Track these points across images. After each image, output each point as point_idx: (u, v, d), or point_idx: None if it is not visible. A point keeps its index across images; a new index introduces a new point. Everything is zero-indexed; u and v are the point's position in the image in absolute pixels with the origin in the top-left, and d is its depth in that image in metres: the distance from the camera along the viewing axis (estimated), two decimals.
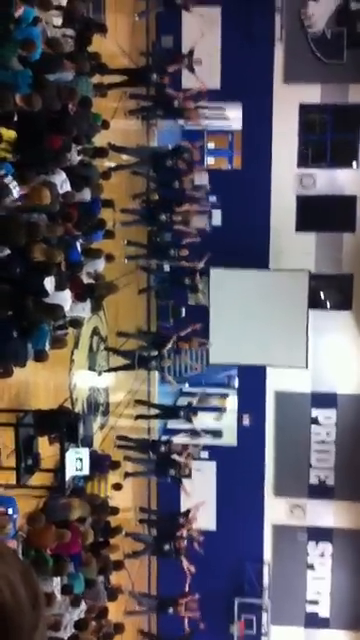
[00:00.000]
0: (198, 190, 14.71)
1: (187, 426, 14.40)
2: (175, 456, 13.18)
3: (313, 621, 16.71)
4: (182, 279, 14.64)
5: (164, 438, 14.47)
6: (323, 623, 16.71)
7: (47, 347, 7.36)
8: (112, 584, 9.82)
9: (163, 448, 13.36)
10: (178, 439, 14.52)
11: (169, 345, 13.01)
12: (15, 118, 6.91)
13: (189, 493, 13.47)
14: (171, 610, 13.63)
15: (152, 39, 15.23)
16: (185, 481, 13.70)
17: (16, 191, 6.47)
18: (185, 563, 13.51)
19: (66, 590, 8.07)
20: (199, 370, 16.25)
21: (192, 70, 13.92)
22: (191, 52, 13.89)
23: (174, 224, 14.01)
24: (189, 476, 13.50)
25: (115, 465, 10.44)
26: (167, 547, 13.52)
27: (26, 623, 1.08)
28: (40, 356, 7.28)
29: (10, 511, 6.79)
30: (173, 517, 14.22)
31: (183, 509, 14.44)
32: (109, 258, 9.46)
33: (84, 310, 8.69)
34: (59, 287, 7.37)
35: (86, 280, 8.68)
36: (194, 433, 14.41)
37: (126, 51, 13.57)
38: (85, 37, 8.72)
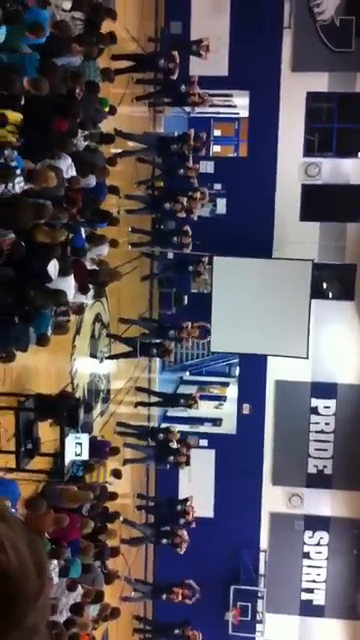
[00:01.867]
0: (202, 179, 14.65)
1: (186, 414, 14.44)
2: (173, 444, 13.21)
3: (308, 609, 16.82)
4: (185, 267, 14.62)
5: (163, 425, 14.49)
6: (318, 611, 16.82)
7: (49, 332, 7.37)
8: (109, 569, 9.87)
9: (162, 435, 13.39)
10: (177, 427, 14.54)
11: (173, 335, 13.03)
12: (22, 102, 6.87)
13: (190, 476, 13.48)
14: (165, 597, 13.73)
15: (161, 25, 15.12)
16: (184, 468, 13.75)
17: (19, 187, 6.44)
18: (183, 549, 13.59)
19: (62, 573, 8.10)
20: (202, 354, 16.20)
21: (199, 56, 13.83)
22: (200, 40, 13.79)
23: (178, 212, 13.96)
24: (187, 464, 13.55)
25: (114, 451, 10.47)
26: (165, 541, 13.60)
27: (30, 589, 1.08)
28: (42, 340, 7.29)
29: (8, 503, 6.79)
30: (171, 504, 14.29)
31: (181, 496, 14.51)
32: (113, 244, 9.43)
33: (86, 296, 8.67)
34: (63, 272, 7.36)
35: (89, 266, 8.66)
36: (193, 421, 14.44)
37: (134, 36, 13.48)
38: (94, 22, 8.64)
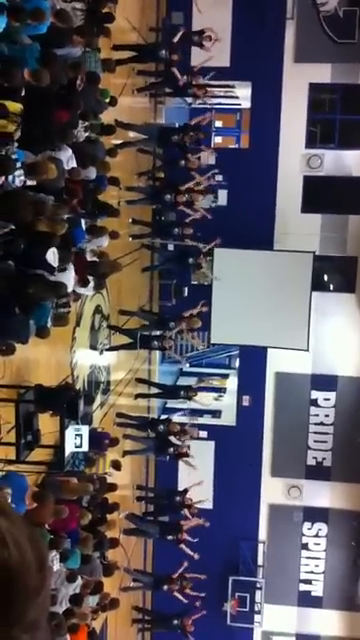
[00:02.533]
0: (204, 170, 14.60)
1: (186, 405, 14.45)
2: (172, 438, 13.21)
3: (306, 600, 16.89)
4: (186, 258, 14.59)
5: (163, 417, 14.49)
6: (316, 602, 16.89)
7: (49, 324, 7.37)
8: (108, 560, 9.90)
9: (162, 427, 13.40)
10: (177, 418, 14.55)
11: (174, 326, 13.01)
12: (22, 92, 6.84)
13: (194, 467, 13.47)
14: (165, 587, 13.77)
15: (162, 15, 15.03)
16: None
17: (19, 180, 6.43)
18: (186, 549, 13.61)
19: (62, 557, 8.11)
20: (203, 347, 16.17)
21: (201, 46, 13.75)
22: (202, 31, 13.71)
23: (178, 204, 13.92)
24: (187, 455, 13.57)
25: (114, 442, 10.48)
26: (170, 538, 13.64)
27: (31, 583, 1.08)
28: (42, 332, 7.28)
29: (8, 491, 6.80)
30: (170, 495, 14.32)
31: (181, 487, 14.53)
32: (113, 235, 9.42)
33: (87, 288, 8.67)
34: (62, 260, 7.34)
35: (90, 258, 8.65)
36: (193, 412, 14.44)
37: (135, 27, 13.41)
38: (94, 12, 8.60)
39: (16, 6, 6.53)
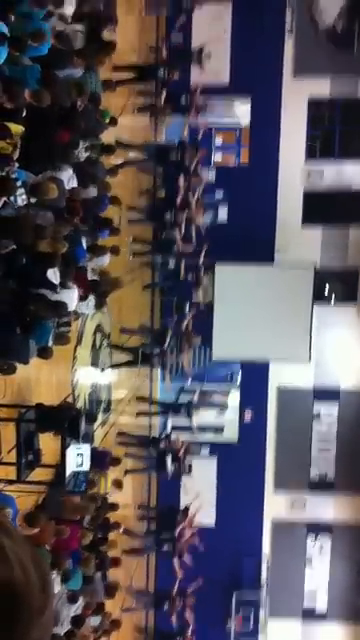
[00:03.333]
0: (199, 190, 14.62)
1: (187, 423, 14.41)
2: (167, 458, 13.16)
3: (310, 615, 16.80)
4: (185, 275, 14.59)
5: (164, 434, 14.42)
6: (320, 617, 16.80)
7: (50, 344, 7.36)
8: (110, 580, 9.85)
9: (163, 444, 13.37)
10: (179, 436, 14.49)
11: (168, 339, 12.99)
12: (24, 113, 6.87)
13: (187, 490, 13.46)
14: (166, 606, 13.70)
15: (162, 35, 15.08)
16: (186, 477, 13.73)
17: (21, 199, 6.45)
18: (176, 564, 13.55)
19: (64, 578, 8.07)
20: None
21: (200, 65, 13.83)
22: (201, 49, 13.78)
23: (178, 223, 13.93)
24: (189, 472, 13.52)
25: (115, 461, 10.44)
26: (165, 548, 13.58)
27: (35, 604, 1.07)
28: (44, 353, 7.28)
29: (10, 511, 6.79)
30: (171, 513, 14.26)
31: (183, 506, 14.47)
32: (114, 251, 9.42)
33: (87, 307, 8.67)
34: (63, 278, 7.35)
35: (90, 276, 8.65)
36: (193, 430, 14.39)
37: (135, 47, 13.46)
38: (95, 32, 8.63)
39: (17, 37, 6.56)
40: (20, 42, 6.56)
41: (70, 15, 8.29)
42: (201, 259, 14.36)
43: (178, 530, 13.45)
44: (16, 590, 1.05)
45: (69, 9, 8.28)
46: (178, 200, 13.52)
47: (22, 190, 6.65)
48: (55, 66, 7.47)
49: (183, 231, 13.86)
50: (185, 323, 13.69)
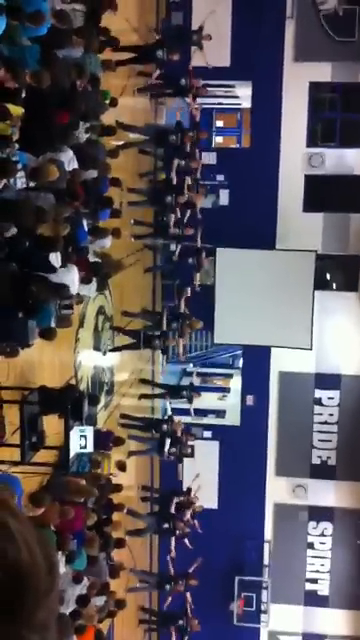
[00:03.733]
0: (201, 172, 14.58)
1: (188, 406, 14.44)
2: (167, 441, 13.19)
3: (312, 600, 16.87)
4: (186, 258, 14.59)
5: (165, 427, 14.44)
6: (322, 602, 16.87)
7: (53, 325, 7.37)
8: (114, 561, 9.91)
9: (165, 427, 13.41)
10: (180, 419, 14.54)
11: (164, 322, 13.01)
12: (23, 94, 6.85)
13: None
14: (168, 587, 13.78)
15: (162, 16, 15.03)
16: (188, 460, 13.77)
17: (20, 182, 6.44)
18: (173, 544, 13.62)
19: (69, 559, 8.11)
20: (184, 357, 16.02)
21: (201, 47, 13.77)
22: (200, 28, 13.72)
23: (179, 205, 13.91)
24: (191, 455, 13.56)
25: (118, 441, 10.48)
26: (166, 526, 13.63)
27: (41, 586, 1.07)
28: (48, 334, 7.27)
29: (15, 491, 6.81)
30: (174, 495, 14.32)
31: (185, 487, 14.53)
32: (116, 234, 9.42)
33: (89, 289, 8.68)
34: (66, 264, 7.36)
35: (92, 259, 8.66)
36: (191, 414, 14.41)
37: (135, 27, 13.41)
38: (95, 14, 8.60)
39: (15, 6, 6.53)
40: (18, 12, 6.51)
41: (67, 2, 8.26)
42: (198, 242, 14.33)
43: (173, 506, 13.48)
44: (22, 571, 1.05)
45: None
46: (174, 182, 13.50)
47: (22, 173, 6.64)
48: (54, 46, 7.45)
49: (179, 215, 13.85)
50: (182, 306, 13.69)
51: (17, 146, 6.62)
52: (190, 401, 14.07)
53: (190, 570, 13.80)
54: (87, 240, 8.45)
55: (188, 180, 13.85)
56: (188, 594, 13.93)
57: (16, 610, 1.05)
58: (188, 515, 13.63)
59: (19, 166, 6.62)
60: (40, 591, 1.07)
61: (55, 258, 7.11)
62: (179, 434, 13.42)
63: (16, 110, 6.75)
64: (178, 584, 13.65)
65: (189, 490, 14.06)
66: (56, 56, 7.39)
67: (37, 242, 6.96)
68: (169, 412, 14.34)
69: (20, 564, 1.05)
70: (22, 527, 1.09)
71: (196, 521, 13.85)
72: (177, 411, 14.93)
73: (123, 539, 10.21)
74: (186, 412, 14.54)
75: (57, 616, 1.17)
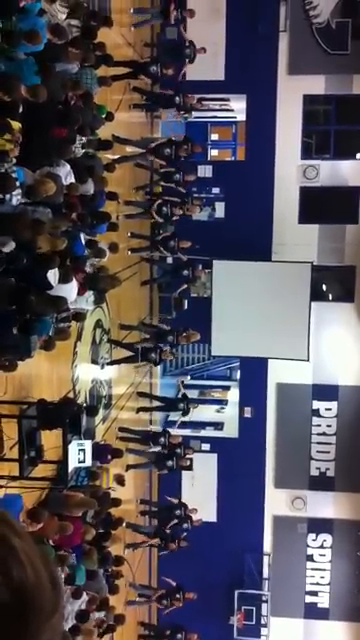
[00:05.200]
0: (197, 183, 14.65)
1: (184, 418, 14.42)
2: (177, 448, 13.16)
3: (312, 612, 16.79)
4: (182, 271, 14.61)
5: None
6: (322, 614, 16.79)
7: (51, 334, 7.37)
8: (113, 576, 9.85)
9: (163, 439, 13.38)
10: (176, 431, 14.51)
11: (172, 339, 13.02)
12: (20, 109, 6.86)
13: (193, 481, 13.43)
14: (165, 602, 13.72)
15: (156, 31, 15.12)
16: (186, 473, 13.74)
17: (16, 199, 6.45)
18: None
19: (68, 581, 8.09)
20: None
21: (192, 60, 13.87)
22: (192, 44, 13.82)
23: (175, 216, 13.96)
24: (189, 468, 13.53)
25: (116, 453, 10.44)
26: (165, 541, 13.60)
27: (46, 605, 1.05)
28: (46, 344, 7.27)
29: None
30: (172, 509, 14.28)
31: (185, 501, 14.47)
32: (113, 249, 9.43)
33: (87, 302, 8.68)
34: (64, 279, 7.36)
35: (88, 270, 8.65)
36: (195, 425, 14.41)
37: (130, 42, 13.49)
38: (90, 29, 8.65)
39: (9, 30, 6.56)
40: (12, 37, 6.55)
41: (63, 20, 8.31)
42: (183, 256, 14.37)
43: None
44: (28, 592, 1.03)
45: (62, 15, 8.30)
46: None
47: (19, 190, 6.64)
48: (51, 59, 7.47)
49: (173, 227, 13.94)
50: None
51: (14, 161, 6.63)
52: (186, 414, 14.05)
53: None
54: (84, 254, 8.46)
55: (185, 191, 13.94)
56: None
57: (21, 632, 1.02)
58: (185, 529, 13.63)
59: (17, 183, 6.63)
60: (45, 612, 1.05)
61: (52, 275, 7.11)
62: (177, 448, 13.38)
63: (14, 125, 6.77)
64: (176, 598, 13.58)
65: (185, 504, 14.01)
66: (53, 69, 7.41)
67: (35, 260, 6.95)
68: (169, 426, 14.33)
69: (25, 585, 1.03)
70: (26, 546, 1.07)
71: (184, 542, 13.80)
72: (173, 424, 14.92)
73: (122, 557, 10.15)
74: (186, 425, 14.53)
75: (61, 636, 1.15)
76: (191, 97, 13.87)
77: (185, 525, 13.78)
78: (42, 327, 7.23)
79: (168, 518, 14.07)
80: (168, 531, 13.69)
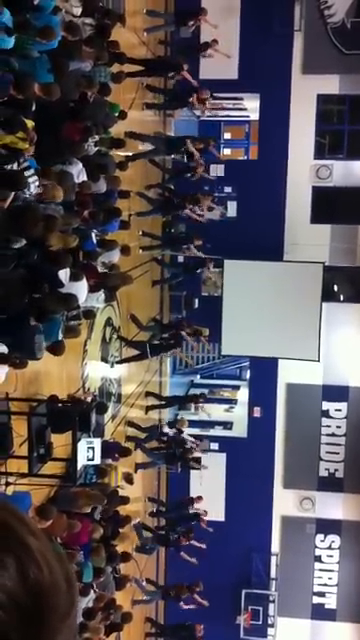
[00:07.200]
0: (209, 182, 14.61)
1: (197, 417, 14.42)
2: (184, 433, 13.15)
3: (320, 613, 16.76)
4: (194, 270, 14.58)
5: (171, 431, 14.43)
6: (329, 615, 16.76)
7: (60, 337, 7.35)
8: (120, 574, 9.86)
9: (171, 430, 13.39)
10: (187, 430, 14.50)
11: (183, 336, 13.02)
12: (33, 107, 6.87)
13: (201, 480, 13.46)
14: (173, 595, 13.72)
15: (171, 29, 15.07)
16: (195, 473, 13.73)
17: (34, 186, 6.43)
18: (185, 555, 13.57)
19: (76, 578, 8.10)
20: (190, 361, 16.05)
21: (205, 55, 13.84)
22: (207, 43, 13.79)
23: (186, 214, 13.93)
24: (198, 462, 13.53)
25: (125, 451, 10.44)
26: (173, 537, 13.59)
27: (62, 605, 1.03)
28: (56, 348, 7.25)
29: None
30: (180, 506, 14.28)
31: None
32: (124, 251, 9.41)
33: (97, 300, 8.69)
34: (75, 277, 7.35)
35: (100, 270, 8.67)
36: (204, 424, 14.41)
37: (144, 40, 13.48)
38: (104, 27, 8.65)
39: (23, 22, 6.56)
40: (25, 28, 6.53)
41: (78, 15, 8.30)
42: (195, 253, 14.33)
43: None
44: (44, 592, 1.01)
45: (77, 10, 8.30)
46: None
47: (35, 177, 6.61)
48: (65, 56, 7.47)
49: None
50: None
51: (28, 162, 6.61)
52: (195, 405, 14.05)
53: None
54: (96, 252, 8.46)
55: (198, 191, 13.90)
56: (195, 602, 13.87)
57: (37, 635, 1.00)
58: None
59: (31, 171, 6.60)
60: (61, 612, 1.03)
61: (64, 273, 7.10)
62: (184, 436, 13.38)
63: (28, 123, 6.77)
64: (182, 590, 13.56)
65: (192, 499, 14.00)
66: (67, 66, 7.41)
67: (46, 258, 6.95)
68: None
69: (41, 585, 1.00)
70: (42, 545, 1.04)
71: (195, 542, 13.79)
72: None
73: (128, 553, 10.16)
74: (195, 424, 14.52)
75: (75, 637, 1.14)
76: (204, 92, 13.78)
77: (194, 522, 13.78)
78: (52, 326, 7.22)
79: (176, 517, 14.08)
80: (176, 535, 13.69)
